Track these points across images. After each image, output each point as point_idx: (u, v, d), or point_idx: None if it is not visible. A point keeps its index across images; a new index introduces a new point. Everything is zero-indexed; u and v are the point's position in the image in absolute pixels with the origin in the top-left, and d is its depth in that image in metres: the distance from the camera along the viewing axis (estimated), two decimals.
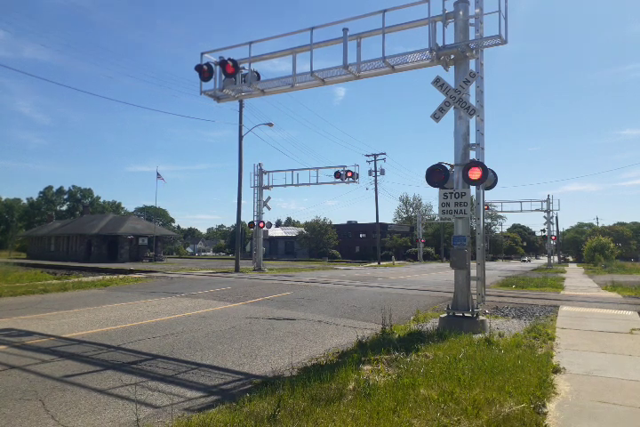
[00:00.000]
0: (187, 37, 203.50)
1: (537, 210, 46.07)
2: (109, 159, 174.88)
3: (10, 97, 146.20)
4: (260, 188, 32.21)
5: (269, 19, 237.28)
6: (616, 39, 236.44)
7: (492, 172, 9.30)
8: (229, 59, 11.07)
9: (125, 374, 5.91)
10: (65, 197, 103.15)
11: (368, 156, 51.12)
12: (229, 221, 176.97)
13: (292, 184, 31.05)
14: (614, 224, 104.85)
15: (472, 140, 9.27)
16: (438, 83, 9.11)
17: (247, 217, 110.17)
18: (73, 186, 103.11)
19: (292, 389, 4.84)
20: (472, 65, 9.31)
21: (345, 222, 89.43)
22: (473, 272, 9.18)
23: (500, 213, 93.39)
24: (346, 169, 29.60)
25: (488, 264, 33.36)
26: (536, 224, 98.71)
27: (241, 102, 31.08)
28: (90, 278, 21.95)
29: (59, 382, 5.60)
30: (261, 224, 31.91)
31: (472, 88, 9.20)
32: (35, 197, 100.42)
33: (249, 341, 8.04)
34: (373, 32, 9.97)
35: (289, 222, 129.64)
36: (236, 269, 30.41)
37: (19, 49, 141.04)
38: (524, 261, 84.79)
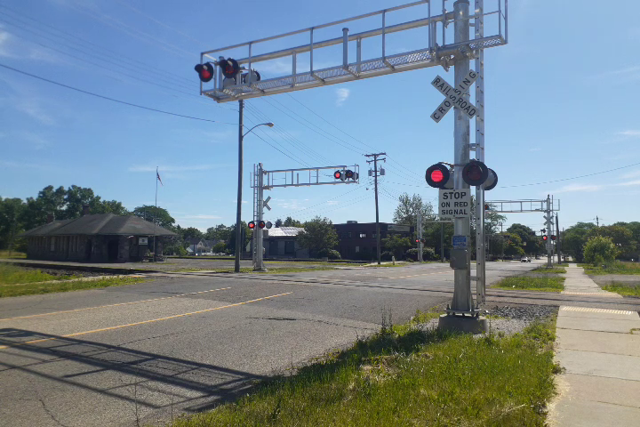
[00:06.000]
0: (190, 39, 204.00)
1: (537, 210, 46.04)
2: (112, 160, 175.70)
3: (16, 98, 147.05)
4: (260, 188, 32.21)
5: (272, 20, 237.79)
6: (617, 41, 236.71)
7: (492, 172, 9.30)
8: (229, 59, 11.06)
9: (125, 374, 5.92)
10: (65, 197, 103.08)
11: (368, 156, 51.11)
12: (229, 221, 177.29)
13: (291, 184, 31.07)
14: (614, 224, 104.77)
15: (472, 140, 9.27)
16: (438, 83, 9.11)
17: (247, 217, 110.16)
18: (73, 186, 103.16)
19: (292, 389, 4.84)
20: (472, 65, 9.31)
21: (345, 222, 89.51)
22: (473, 272, 9.18)
23: (500, 213, 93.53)
24: (346, 169, 29.60)
25: (488, 264, 33.37)
26: (536, 224, 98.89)
27: (241, 102, 31.09)
28: (90, 278, 21.95)
29: (59, 382, 5.60)
30: (261, 224, 31.91)
31: (472, 88, 9.20)
32: (35, 197, 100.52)
33: (249, 341, 8.04)
34: (373, 32, 9.97)
35: (289, 222, 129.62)
36: (236, 269, 30.40)
37: (25, 51, 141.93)
38: (524, 261, 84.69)
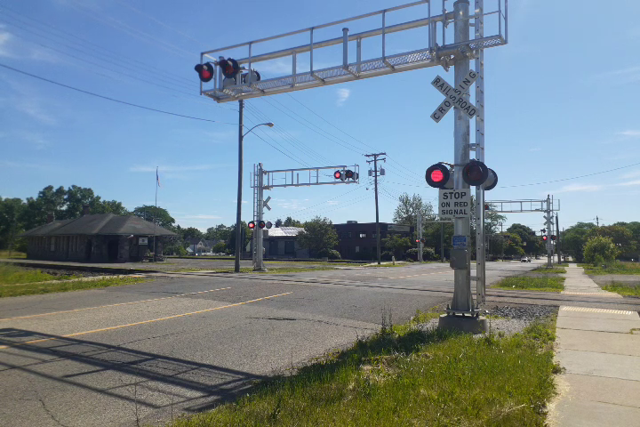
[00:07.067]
0: (191, 39, 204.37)
1: (537, 210, 46.03)
2: (112, 160, 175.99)
3: (16, 98, 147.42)
4: (260, 188, 32.21)
5: (272, 20, 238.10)
6: (617, 41, 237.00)
7: (492, 172, 9.30)
8: (229, 59, 11.06)
9: (125, 374, 5.92)
10: (65, 197, 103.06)
11: (368, 156, 51.09)
12: (229, 221, 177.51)
13: (291, 184, 31.07)
14: (614, 224, 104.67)
15: (472, 140, 9.27)
16: (438, 83, 9.11)
17: (247, 217, 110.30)
18: (73, 186, 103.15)
19: (292, 389, 4.84)
20: (472, 65, 9.31)
21: (345, 222, 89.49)
22: (473, 272, 9.18)
23: (500, 213, 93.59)
24: (346, 169, 29.60)
25: (488, 264, 33.36)
26: (536, 224, 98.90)
27: (241, 102, 31.09)
28: (90, 278, 21.95)
29: (59, 382, 5.60)
30: (261, 224, 31.91)
31: (472, 88, 9.20)
32: (35, 197, 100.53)
33: (249, 341, 8.04)
34: (373, 32, 9.97)
35: (289, 222, 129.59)
36: (236, 269, 30.40)
37: (26, 51, 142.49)
38: (524, 261, 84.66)
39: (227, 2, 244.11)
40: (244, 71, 11.45)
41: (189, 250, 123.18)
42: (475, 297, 9.39)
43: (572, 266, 56.31)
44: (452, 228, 9.82)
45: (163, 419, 4.43)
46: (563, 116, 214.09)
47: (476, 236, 9.60)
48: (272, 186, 32.21)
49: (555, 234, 53.67)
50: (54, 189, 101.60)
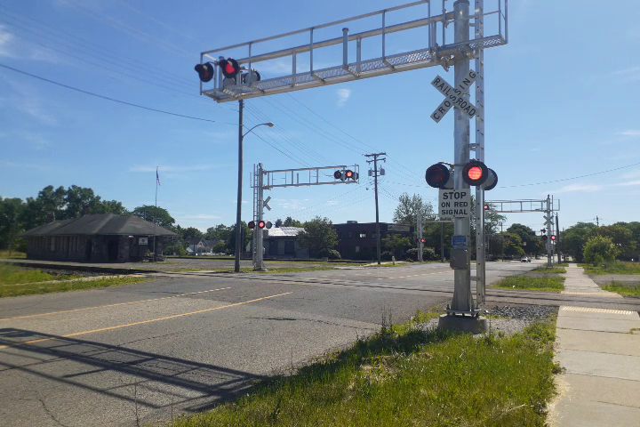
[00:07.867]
0: (191, 40, 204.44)
1: (537, 210, 46.02)
2: (112, 160, 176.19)
3: (17, 98, 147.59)
4: (260, 188, 32.21)
5: (272, 20, 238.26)
6: (617, 41, 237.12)
7: (492, 172, 9.30)
8: (229, 59, 11.06)
9: (125, 374, 5.91)
10: (65, 197, 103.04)
11: (368, 156, 51.08)
12: (229, 221, 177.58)
13: (291, 184, 31.07)
14: (614, 224, 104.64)
15: (472, 140, 9.27)
16: (438, 83, 9.11)
17: (247, 217, 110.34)
18: (73, 186, 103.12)
19: (292, 389, 4.84)
20: (472, 65, 9.31)
21: (345, 222, 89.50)
22: (473, 272, 9.17)
23: (500, 213, 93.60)
24: (346, 169, 29.60)
25: (488, 264, 33.33)
26: (536, 224, 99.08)
27: (241, 102, 31.09)
28: (90, 278, 21.94)
29: (59, 382, 5.60)
30: (261, 224, 31.90)
31: (472, 88, 9.20)
32: (35, 197, 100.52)
33: (249, 341, 8.04)
34: (373, 32, 9.97)
35: (289, 222, 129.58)
36: (236, 269, 30.40)
37: (27, 51, 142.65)
38: (524, 261, 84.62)
39: (227, 2, 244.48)
40: (244, 71, 11.45)
41: (189, 250, 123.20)
42: (475, 297, 9.39)
43: (572, 266, 56.30)
44: (452, 228, 9.82)
45: (163, 419, 4.43)
46: (563, 116, 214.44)
47: (476, 236, 9.60)
48: (272, 186, 32.22)
49: (555, 234, 53.63)
50: (54, 189, 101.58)
